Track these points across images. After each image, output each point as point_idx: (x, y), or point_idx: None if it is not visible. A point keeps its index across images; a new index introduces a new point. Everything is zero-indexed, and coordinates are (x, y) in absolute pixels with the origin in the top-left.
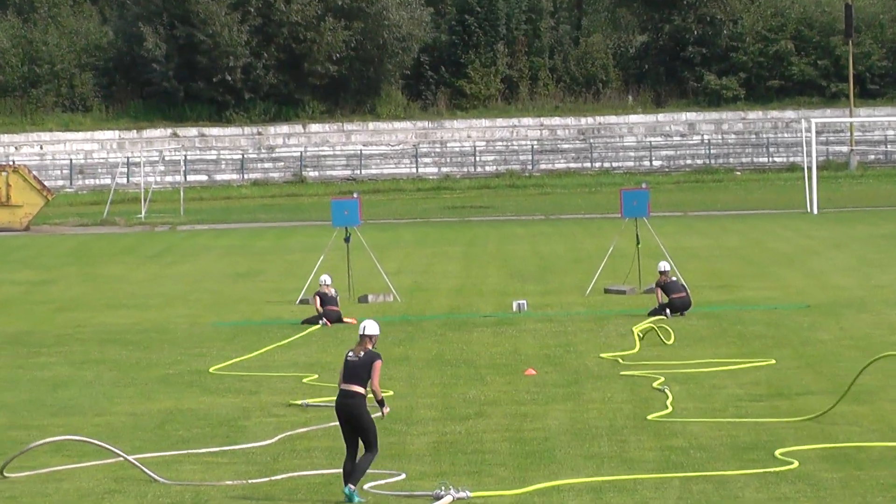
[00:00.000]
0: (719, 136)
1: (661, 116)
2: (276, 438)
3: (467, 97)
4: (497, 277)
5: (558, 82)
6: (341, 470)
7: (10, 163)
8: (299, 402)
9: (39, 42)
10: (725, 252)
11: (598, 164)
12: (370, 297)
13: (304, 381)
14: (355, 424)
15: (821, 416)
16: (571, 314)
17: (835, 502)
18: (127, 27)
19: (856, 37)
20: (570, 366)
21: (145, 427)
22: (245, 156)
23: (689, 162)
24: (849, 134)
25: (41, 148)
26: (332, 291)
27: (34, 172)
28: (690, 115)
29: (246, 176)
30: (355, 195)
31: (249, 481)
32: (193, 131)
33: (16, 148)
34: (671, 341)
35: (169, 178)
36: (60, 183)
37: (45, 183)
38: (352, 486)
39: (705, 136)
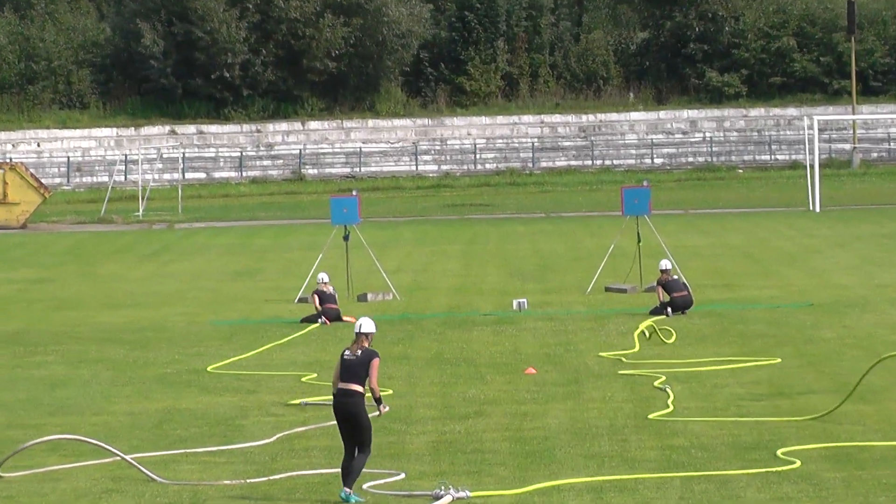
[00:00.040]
0: (721, 134)
1: (662, 114)
2: (275, 438)
3: (467, 94)
4: (497, 276)
5: (559, 79)
6: (339, 469)
7: (7, 160)
8: (297, 401)
9: (36, 39)
10: (727, 250)
11: (598, 162)
12: (369, 296)
13: (303, 380)
14: (353, 423)
15: (825, 415)
16: (572, 313)
17: (837, 502)
18: (124, 24)
19: (858, 33)
20: (570, 365)
21: (143, 426)
22: (243, 153)
23: (690, 159)
24: (851, 131)
25: (38, 145)
26: (331, 289)
27: (31, 170)
28: (692, 113)
29: (244, 173)
30: (354, 193)
31: (248, 481)
32: (191, 129)
33: (13, 145)
34: (672, 340)
35: (167, 176)
36: (57, 180)
37: (43, 180)
38: (347, 490)
39: (707, 134)
